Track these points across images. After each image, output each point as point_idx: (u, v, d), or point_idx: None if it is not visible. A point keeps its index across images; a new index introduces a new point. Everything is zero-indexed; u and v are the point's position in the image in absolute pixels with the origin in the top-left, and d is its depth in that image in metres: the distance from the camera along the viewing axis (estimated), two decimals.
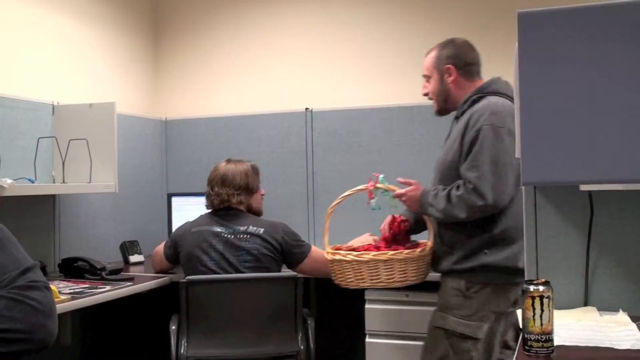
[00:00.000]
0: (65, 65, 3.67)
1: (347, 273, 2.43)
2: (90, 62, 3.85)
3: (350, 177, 3.43)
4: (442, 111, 2.60)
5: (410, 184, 2.47)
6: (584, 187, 1.91)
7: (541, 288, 1.56)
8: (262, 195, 3.17)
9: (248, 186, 3.02)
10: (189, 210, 3.78)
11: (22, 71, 3.39)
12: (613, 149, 1.63)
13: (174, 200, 3.92)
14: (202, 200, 3.68)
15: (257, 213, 3.08)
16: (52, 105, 3.37)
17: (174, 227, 3.69)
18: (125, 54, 4.18)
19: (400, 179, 2.49)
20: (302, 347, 2.81)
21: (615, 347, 1.60)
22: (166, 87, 4.47)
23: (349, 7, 4.06)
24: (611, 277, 2.02)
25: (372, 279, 2.41)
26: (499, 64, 3.66)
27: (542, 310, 1.55)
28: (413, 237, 2.64)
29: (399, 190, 2.46)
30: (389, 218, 2.57)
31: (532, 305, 1.55)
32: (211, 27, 4.37)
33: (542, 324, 1.55)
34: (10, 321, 1.42)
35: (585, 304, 2.03)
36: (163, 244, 3.15)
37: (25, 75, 3.40)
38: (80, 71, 3.78)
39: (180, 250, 2.99)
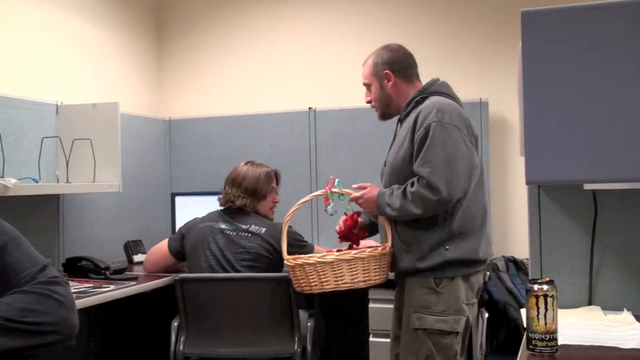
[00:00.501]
0: (69, 66, 3.68)
1: (311, 277, 2.40)
2: (93, 62, 3.86)
3: (354, 176, 3.42)
4: (385, 116, 2.64)
5: (364, 188, 2.48)
6: (588, 186, 1.91)
7: (545, 287, 1.56)
8: (275, 202, 3.14)
9: (256, 191, 3.03)
10: (192, 209, 3.78)
11: (26, 71, 3.39)
12: (617, 147, 1.63)
13: (178, 199, 3.93)
14: (206, 199, 3.69)
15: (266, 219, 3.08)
16: (56, 105, 3.38)
17: (178, 226, 3.70)
18: (128, 53, 4.18)
19: (355, 185, 2.51)
20: (298, 350, 2.79)
21: (620, 347, 1.60)
22: (169, 87, 4.48)
23: (353, 6, 4.06)
24: (615, 276, 2.02)
25: (336, 281, 2.38)
26: (504, 62, 3.67)
27: (547, 310, 1.55)
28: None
29: (355, 194, 2.47)
30: (343, 217, 2.59)
31: (537, 304, 1.55)
32: (214, 27, 4.37)
33: (546, 323, 1.55)
34: (42, 314, 1.49)
35: (590, 304, 2.03)
36: (162, 242, 3.15)
37: (29, 76, 3.41)
38: (84, 71, 3.79)
39: (186, 243, 3.02)
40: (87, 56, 3.81)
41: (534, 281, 1.59)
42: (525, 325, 1.62)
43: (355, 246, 2.58)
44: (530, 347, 1.57)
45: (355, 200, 2.48)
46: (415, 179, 2.35)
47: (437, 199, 2.30)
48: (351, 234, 2.57)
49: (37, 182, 2.98)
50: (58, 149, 3.23)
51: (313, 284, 2.41)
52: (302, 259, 2.43)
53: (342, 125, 3.84)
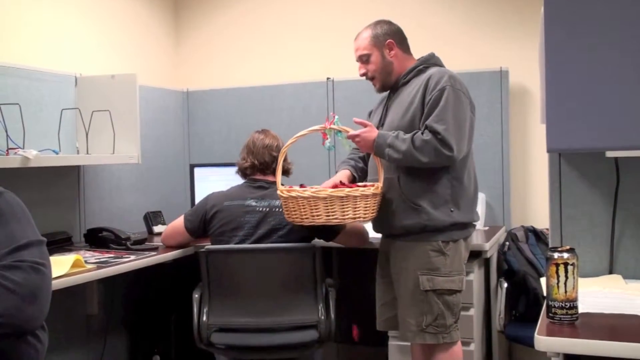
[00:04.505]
0: (88, 37, 3.68)
1: (303, 210, 2.50)
2: (112, 34, 3.86)
3: None
4: (384, 87, 2.72)
5: (365, 125, 2.55)
6: (610, 154, 1.88)
7: (565, 255, 1.55)
8: None
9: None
10: (211, 181, 3.79)
11: (45, 43, 3.40)
12: None
13: (197, 171, 3.94)
14: (225, 170, 3.67)
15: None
16: (75, 77, 3.39)
17: (197, 198, 3.71)
18: (146, 24, 4.17)
19: (356, 119, 2.57)
20: (322, 317, 2.82)
21: None
22: (187, 58, 4.47)
23: None
24: (637, 245, 2.00)
25: (327, 215, 2.48)
26: (525, 31, 3.62)
27: (567, 278, 1.54)
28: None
29: (353, 132, 2.54)
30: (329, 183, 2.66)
31: (557, 272, 1.55)
32: None
33: (566, 291, 1.54)
34: None
35: (611, 272, 2.02)
36: (179, 222, 3.06)
37: (48, 47, 3.42)
38: (102, 43, 3.79)
39: (213, 224, 2.94)
40: (105, 28, 3.80)
41: (554, 249, 1.58)
42: (545, 294, 1.61)
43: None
44: (550, 315, 1.56)
45: (353, 137, 2.54)
46: (425, 131, 2.44)
47: (449, 154, 2.41)
48: None
49: (57, 153, 3.00)
50: (77, 120, 3.25)
51: (304, 216, 2.51)
52: (296, 191, 2.52)
53: (361, 95, 3.79)
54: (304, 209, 2.50)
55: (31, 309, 1.38)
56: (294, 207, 2.53)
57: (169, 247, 3.12)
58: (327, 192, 2.48)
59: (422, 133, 2.44)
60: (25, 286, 1.37)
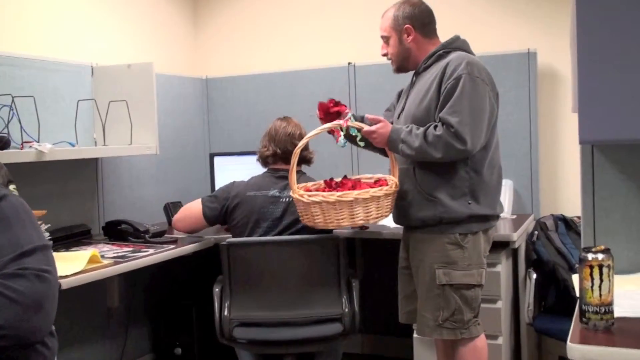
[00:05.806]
0: (104, 25, 3.62)
1: (327, 215, 2.45)
2: (129, 21, 3.80)
3: None
4: (401, 69, 2.67)
5: (379, 121, 2.48)
6: None
7: (600, 256, 1.45)
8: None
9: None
10: (232, 170, 3.74)
11: (59, 33, 3.35)
12: None
13: (216, 160, 3.88)
14: (245, 159, 3.61)
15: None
16: (91, 66, 3.33)
17: (217, 187, 3.66)
18: (164, 12, 4.11)
19: (369, 116, 2.52)
20: (346, 310, 2.76)
21: None
22: (206, 45, 4.40)
23: None
24: None
25: (352, 217, 2.45)
26: (555, 8, 3.48)
27: (602, 280, 1.44)
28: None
29: (368, 128, 2.47)
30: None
31: (591, 274, 1.45)
32: None
33: (601, 295, 1.45)
34: None
35: None
36: (197, 207, 2.98)
37: (63, 37, 3.37)
38: (119, 30, 3.73)
39: (235, 215, 2.89)
40: (122, 15, 3.75)
41: (588, 249, 1.48)
42: (576, 290, 1.52)
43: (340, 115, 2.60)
44: (584, 320, 1.46)
45: (369, 134, 2.48)
46: (439, 124, 2.36)
47: (462, 148, 2.32)
48: (329, 115, 2.62)
49: (73, 146, 2.95)
50: (94, 111, 3.20)
51: (328, 220, 2.46)
52: (319, 196, 2.46)
53: (383, 80, 3.70)
54: (327, 213, 2.45)
55: (36, 319, 1.33)
56: (316, 212, 2.48)
57: (180, 231, 3.08)
58: (353, 194, 2.43)
59: (435, 127, 2.35)
60: (29, 295, 1.32)
